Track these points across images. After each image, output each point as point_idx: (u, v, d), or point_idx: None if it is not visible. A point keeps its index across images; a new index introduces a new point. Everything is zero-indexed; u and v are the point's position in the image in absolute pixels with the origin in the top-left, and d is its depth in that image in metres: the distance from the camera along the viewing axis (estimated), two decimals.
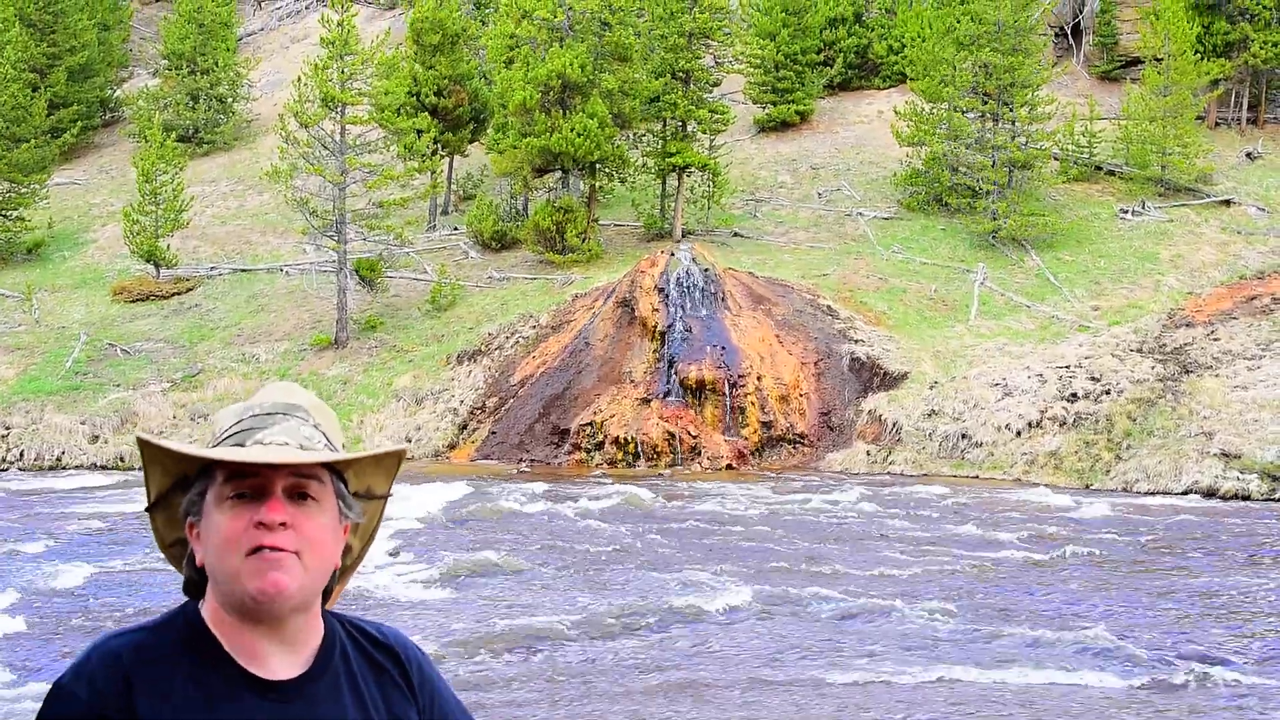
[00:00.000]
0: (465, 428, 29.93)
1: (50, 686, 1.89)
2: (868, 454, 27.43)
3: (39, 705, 1.91)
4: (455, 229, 40.16)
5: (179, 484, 1.98)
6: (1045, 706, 9.29)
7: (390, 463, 2.07)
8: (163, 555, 2.08)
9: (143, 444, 1.95)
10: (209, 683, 1.88)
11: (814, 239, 37.11)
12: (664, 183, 38.85)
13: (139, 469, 2.31)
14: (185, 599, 2.01)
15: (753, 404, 28.60)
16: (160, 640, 1.91)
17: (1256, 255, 34.56)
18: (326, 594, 2.02)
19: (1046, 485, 24.45)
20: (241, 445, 1.92)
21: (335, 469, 1.98)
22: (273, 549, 1.87)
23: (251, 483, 1.89)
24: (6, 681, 9.60)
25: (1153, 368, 27.33)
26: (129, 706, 1.84)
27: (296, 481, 1.91)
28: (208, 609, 1.94)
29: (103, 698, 1.84)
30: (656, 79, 37.67)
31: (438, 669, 2.15)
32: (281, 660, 1.93)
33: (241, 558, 1.87)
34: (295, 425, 1.95)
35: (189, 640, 1.91)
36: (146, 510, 2.03)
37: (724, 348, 29.37)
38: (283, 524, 1.88)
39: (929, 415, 27.53)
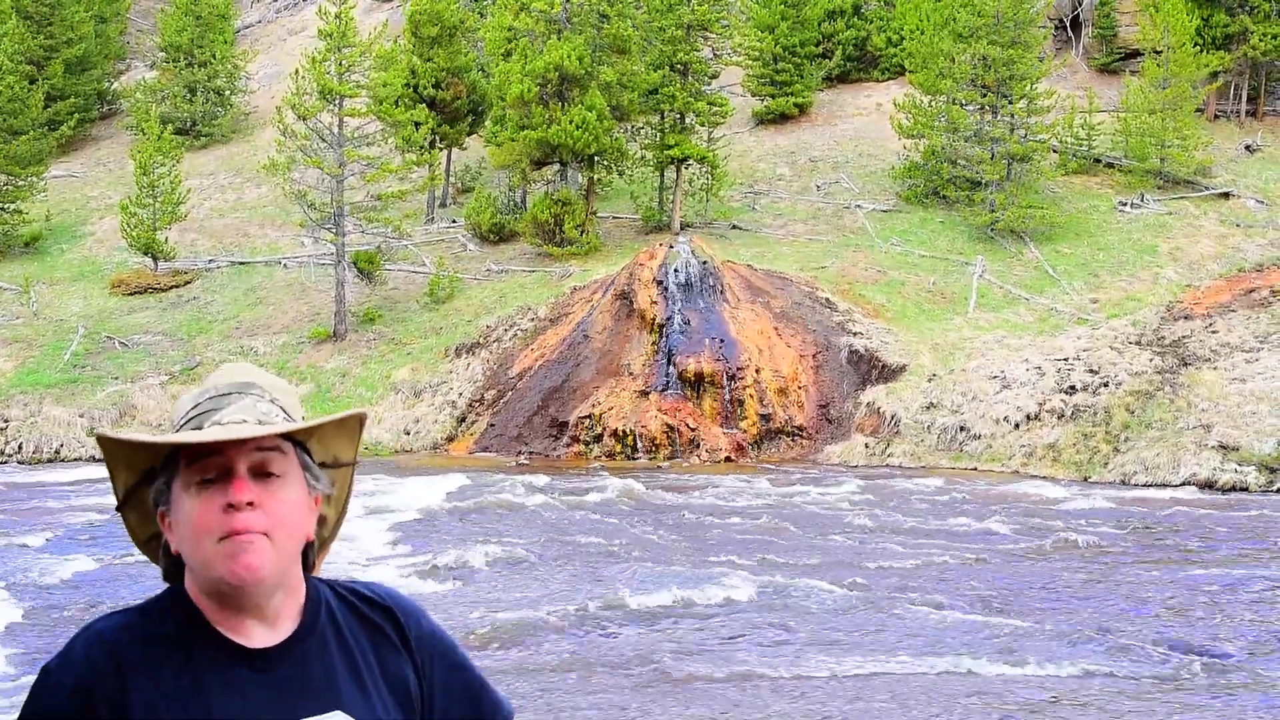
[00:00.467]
0: (464, 420, 29.93)
1: (39, 671, 1.89)
2: (866, 446, 27.44)
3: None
4: (453, 222, 40.14)
5: (145, 477, 1.97)
6: (1042, 697, 9.30)
7: (352, 427, 2.05)
8: (141, 552, 2.07)
9: (102, 440, 1.94)
10: (197, 657, 1.88)
11: (812, 231, 37.09)
12: (662, 175, 38.82)
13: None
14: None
15: (751, 396, 28.61)
16: (147, 620, 1.91)
17: (1255, 248, 34.57)
18: (309, 566, 2.01)
19: (1044, 477, 24.47)
20: (200, 428, 1.91)
21: (297, 440, 1.97)
22: (243, 532, 1.86)
23: (215, 463, 1.88)
24: (6, 673, 9.61)
25: (1151, 360, 27.34)
26: (120, 687, 1.84)
27: (260, 457, 1.90)
28: (190, 590, 1.95)
29: (91, 677, 1.84)
30: (655, 71, 37.63)
31: (441, 626, 2.11)
32: (265, 631, 1.93)
33: (214, 543, 1.86)
34: (251, 402, 1.94)
35: (175, 619, 1.92)
36: (117, 510, 2.02)
37: (722, 340, 29.37)
38: (250, 503, 1.86)
39: (927, 408, 27.54)
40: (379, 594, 2.07)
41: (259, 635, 1.92)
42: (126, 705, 1.83)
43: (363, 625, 2.02)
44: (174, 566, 1.96)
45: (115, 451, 1.95)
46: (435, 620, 2.10)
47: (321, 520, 2.04)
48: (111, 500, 2.02)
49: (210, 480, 1.88)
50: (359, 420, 2.06)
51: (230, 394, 1.95)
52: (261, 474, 1.90)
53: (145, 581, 13.19)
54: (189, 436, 1.89)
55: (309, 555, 2.00)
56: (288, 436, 1.94)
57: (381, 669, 2.00)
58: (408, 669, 2.02)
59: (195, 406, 1.95)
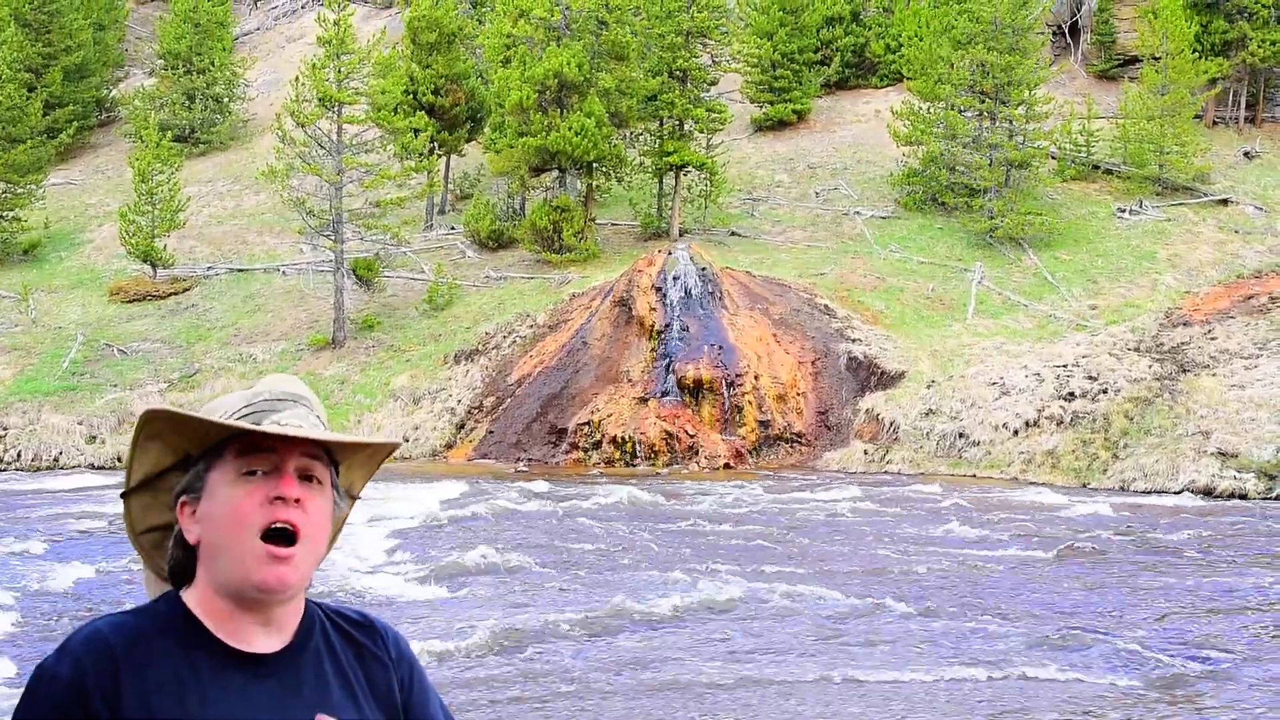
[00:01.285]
0: (463, 427, 29.93)
1: (36, 666, 1.89)
2: (865, 453, 27.44)
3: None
4: (452, 228, 40.16)
5: (179, 463, 2.00)
6: (1041, 704, 9.29)
7: (378, 461, 2.13)
8: (131, 543, 2.09)
9: (153, 416, 1.95)
10: (194, 659, 1.91)
11: (811, 238, 37.12)
12: (661, 182, 38.85)
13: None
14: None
15: (750, 403, 28.61)
16: (144, 622, 1.93)
17: (1254, 254, 34.59)
18: None
19: (1044, 484, 24.47)
20: (258, 425, 1.95)
21: (334, 459, 2.03)
22: (283, 528, 1.91)
23: (267, 458, 1.94)
24: (4, 680, 9.60)
25: (1150, 367, 27.35)
26: (115, 681, 1.85)
27: (306, 463, 1.96)
28: (195, 594, 1.97)
29: (86, 676, 1.85)
30: (653, 78, 37.67)
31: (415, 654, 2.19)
32: (264, 638, 1.97)
33: (254, 539, 1.91)
34: (304, 412, 2.00)
35: (173, 622, 1.94)
36: (123, 495, 2.04)
37: (721, 347, 29.37)
38: (297, 500, 1.93)
39: (926, 414, 27.54)
40: (363, 615, 2.14)
41: (259, 641, 1.96)
42: (120, 698, 1.84)
43: (349, 643, 2.07)
44: (184, 558, 1.98)
45: (160, 431, 1.97)
46: (409, 645, 2.18)
47: None
48: (114, 508, 2.02)
49: (254, 473, 1.93)
50: (390, 450, 2.14)
51: (286, 400, 2.01)
52: (305, 478, 1.96)
53: (143, 589, 13.18)
54: (267, 426, 1.94)
55: None
56: (329, 453, 2.01)
57: (369, 682, 2.06)
58: (393, 682, 2.08)
59: (249, 405, 1.98)
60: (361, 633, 2.10)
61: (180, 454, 1.99)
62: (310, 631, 2.02)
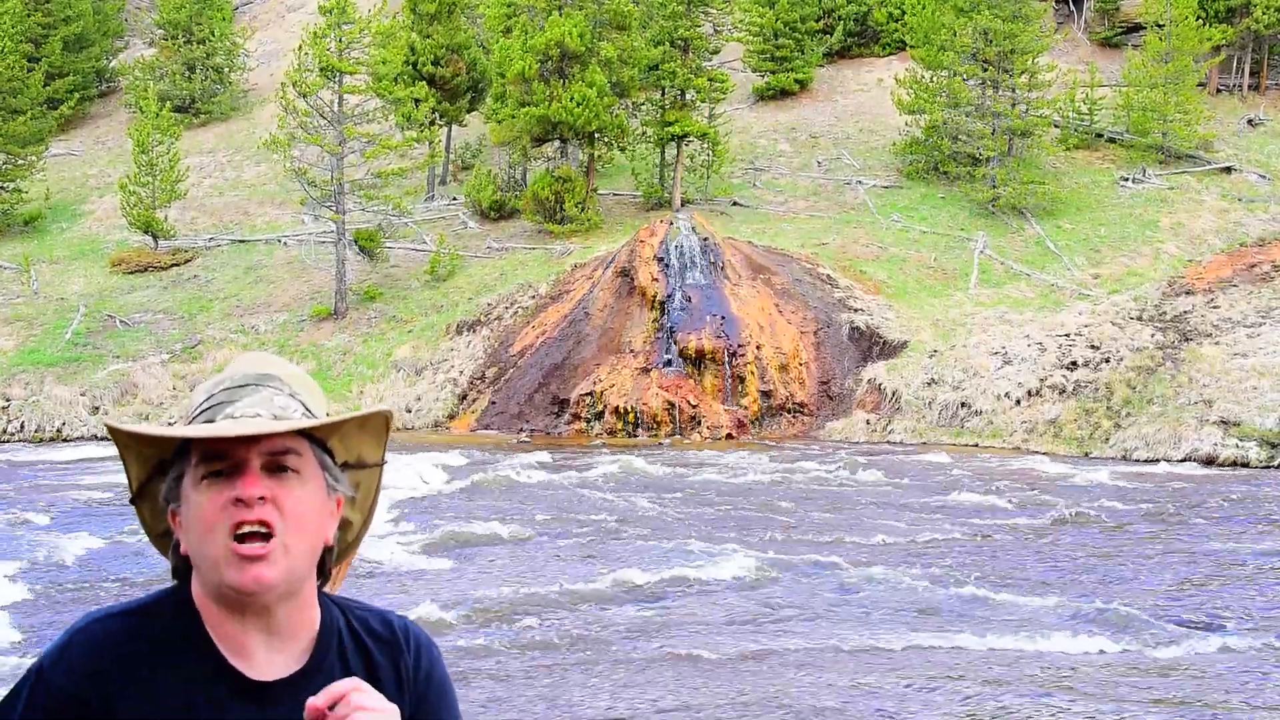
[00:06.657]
0: (465, 398, 29.96)
1: (31, 666, 1.84)
2: (867, 423, 27.46)
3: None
4: (454, 199, 40.08)
5: (157, 470, 1.89)
6: (1045, 672, 9.33)
7: (377, 426, 1.95)
8: (153, 545, 1.98)
9: (112, 431, 1.86)
10: (191, 680, 1.81)
11: (813, 208, 37.03)
12: (663, 152, 38.73)
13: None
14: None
15: (752, 373, 28.62)
16: (145, 626, 1.84)
17: (1257, 223, 34.51)
18: (326, 575, 1.92)
19: (1046, 453, 24.50)
20: (212, 421, 1.82)
21: (317, 439, 1.87)
22: (253, 530, 1.78)
23: (226, 459, 1.80)
24: (12, 649, 9.65)
25: (1152, 335, 27.33)
26: (109, 695, 1.79)
27: (274, 454, 1.81)
28: (195, 595, 1.86)
29: (83, 681, 1.79)
30: (655, 47, 37.51)
31: (445, 669, 2.01)
32: (271, 654, 1.85)
33: (222, 541, 1.78)
34: (269, 395, 1.85)
35: (175, 629, 1.84)
36: (130, 502, 1.94)
37: (723, 317, 29.36)
38: (261, 498, 1.78)
39: (928, 384, 27.55)
40: (393, 626, 1.96)
41: (261, 659, 1.84)
42: (115, 712, 1.79)
43: (365, 664, 1.91)
44: (183, 564, 1.87)
45: (126, 443, 1.87)
46: (443, 665, 2.00)
47: (345, 525, 1.95)
48: (118, 479, 1.97)
49: (220, 473, 1.80)
50: (385, 419, 1.95)
51: (247, 385, 1.86)
52: (276, 469, 1.81)
53: (149, 560, 13.23)
54: (198, 430, 1.80)
55: (325, 563, 1.90)
56: (305, 434, 1.85)
57: None
58: (399, 702, 1.91)
59: (210, 398, 1.86)
60: (381, 648, 1.93)
61: (154, 461, 1.88)
62: (326, 651, 1.87)
